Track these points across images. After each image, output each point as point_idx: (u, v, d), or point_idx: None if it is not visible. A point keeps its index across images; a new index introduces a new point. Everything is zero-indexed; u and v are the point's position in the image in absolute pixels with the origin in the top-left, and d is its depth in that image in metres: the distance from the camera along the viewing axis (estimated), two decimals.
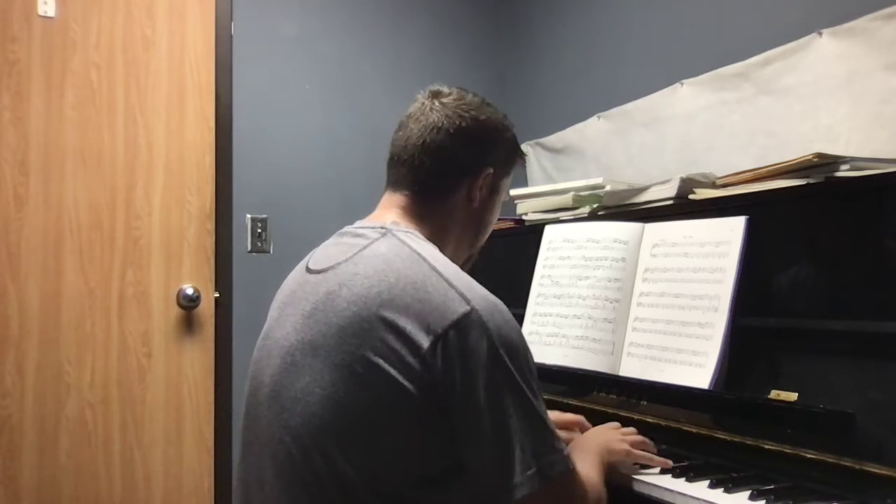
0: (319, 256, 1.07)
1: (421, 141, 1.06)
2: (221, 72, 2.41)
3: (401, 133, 1.10)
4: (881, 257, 1.15)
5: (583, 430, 1.33)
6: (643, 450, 1.17)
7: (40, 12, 2.17)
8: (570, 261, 1.63)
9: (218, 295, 2.37)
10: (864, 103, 1.50)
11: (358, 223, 1.08)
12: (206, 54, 2.37)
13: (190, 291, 2.29)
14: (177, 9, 2.34)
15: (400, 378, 0.88)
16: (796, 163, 1.25)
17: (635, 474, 1.15)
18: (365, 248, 1.00)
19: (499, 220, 2.07)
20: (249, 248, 2.46)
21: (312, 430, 0.92)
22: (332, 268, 1.00)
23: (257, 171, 2.47)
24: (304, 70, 2.57)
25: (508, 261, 2.03)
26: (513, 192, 2.04)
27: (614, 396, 1.44)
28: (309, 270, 1.05)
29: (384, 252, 0.97)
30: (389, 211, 1.08)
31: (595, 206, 1.75)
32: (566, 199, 1.82)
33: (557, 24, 2.61)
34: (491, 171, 1.09)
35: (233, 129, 2.44)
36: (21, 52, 2.15)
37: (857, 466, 0.99)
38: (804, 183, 1.25)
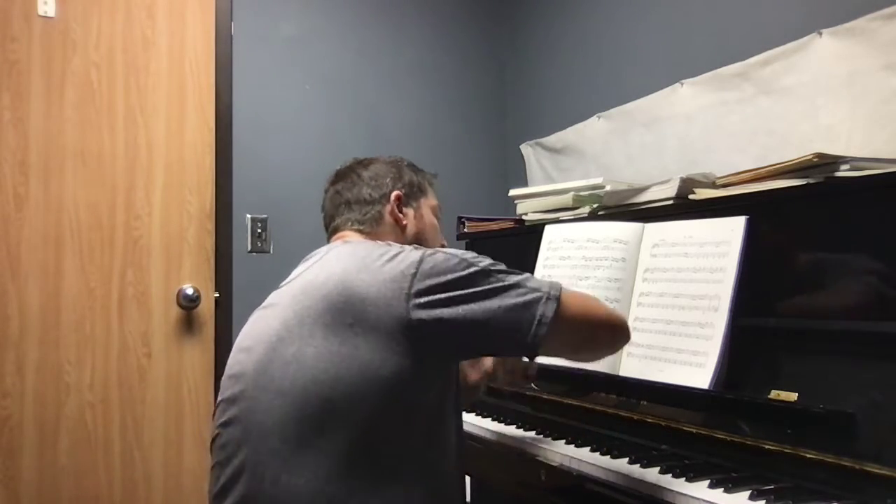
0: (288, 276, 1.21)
1: (341, 195, 1.31)
2: (221, 72, 2.41)
3: (326, 196, 1.35)
4: (881, 257, 1.15)
5: None
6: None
7: (40, 12, 2.17)
8: (570, 261, 1.62)
9: (218, 295, 2.37)
10: (864, 103, 1.50)
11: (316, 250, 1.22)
12: (206, 54, 2.37)
13: (190, 291, 2.29)
14: (177, 9, 2.34)
15: (390, 318, 1.00)
16: (796, 163, 1.25)
17: (635, 474, 1.14)
18: (328, 252, 1.16)
19: (499, 219, 2.12)
20: (249, 248, 2.46)
21: (308, 383, 1.00)
22: (301, 273, 1.15)
23: (257, 171, 2.47)
24: (304, 70, 2.57)
25: (508, 261, 2.02)
26: (512, 192, 2.04)
27: (614, 396, 1.44)
28: (279, 287, 1.18)
29: (346, 248, 1.14)
30: (345, 237, 1.26)
31: (595, 206, 1.75)
32: (566, 199, 1.81)
33: (557, 25, 2.61)
34: (398, 193, 1.30)
35: (233, 129, 2.44)
36: (21, 52, 2.15)
37: (857, 466, 0.99)
38: (804, 183, 1.25)
